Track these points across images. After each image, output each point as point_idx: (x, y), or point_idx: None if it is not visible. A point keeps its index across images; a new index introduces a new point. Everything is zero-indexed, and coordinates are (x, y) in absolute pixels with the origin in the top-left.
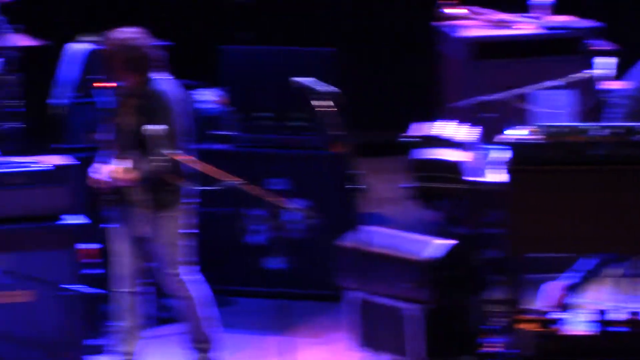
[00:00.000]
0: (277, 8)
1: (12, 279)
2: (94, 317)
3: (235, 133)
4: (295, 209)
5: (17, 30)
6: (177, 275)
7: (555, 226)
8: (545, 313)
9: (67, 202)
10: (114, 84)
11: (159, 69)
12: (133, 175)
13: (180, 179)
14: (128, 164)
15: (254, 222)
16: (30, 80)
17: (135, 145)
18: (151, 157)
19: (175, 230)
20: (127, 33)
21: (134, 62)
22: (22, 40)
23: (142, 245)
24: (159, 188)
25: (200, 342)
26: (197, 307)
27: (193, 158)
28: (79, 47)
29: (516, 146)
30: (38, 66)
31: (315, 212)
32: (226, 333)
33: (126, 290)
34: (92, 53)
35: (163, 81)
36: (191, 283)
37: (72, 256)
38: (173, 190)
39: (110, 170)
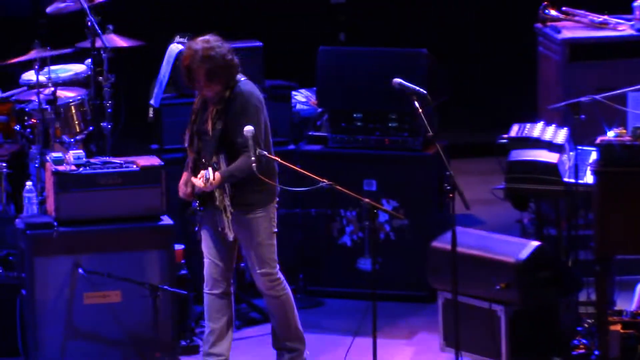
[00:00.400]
0: (372, 8)
1: (108, 279)
2: (189, 317)
3: (330, 134)
4: (387, 210)
5: (108, 31)
6: (273, 274)
7: None
8: (637, 315)
9: (161, 203)
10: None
11: (239, 72)
12: (216, 182)
13: (269, 179)
14: (209, 172)
15: (346, 223)
16: (126, 81)
17: (220, 150)
18: (243, 158)
19: (267, 229)
20: (206, 43)
21: (216, 72)
22: (114, 41)
23: (231, 247)
24: (249, 188)
25: (294, 341)
26: (291, 304)
27: (278, 158)
28: (178, 47)
29: (603, 147)
30: (133, 66)
31: (407, 213)
32: (316, 334)
33: (216, 291)
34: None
35: (245, 83)
36: (284, 281)
37: (169, 257)
38: (263, 190)
39: (194, 180)
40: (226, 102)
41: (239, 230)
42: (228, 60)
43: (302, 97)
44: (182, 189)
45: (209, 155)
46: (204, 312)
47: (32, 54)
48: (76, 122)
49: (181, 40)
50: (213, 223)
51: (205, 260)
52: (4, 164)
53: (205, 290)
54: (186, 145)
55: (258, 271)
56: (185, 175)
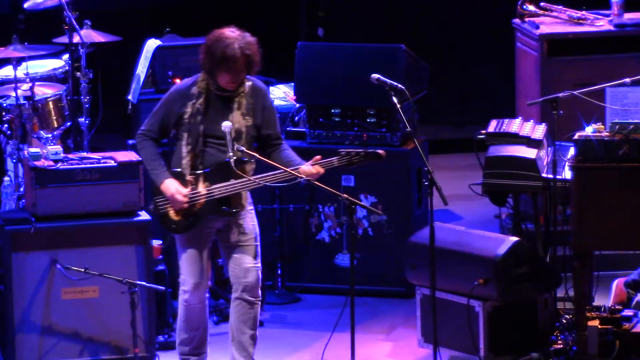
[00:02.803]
0: (351, 4)
1: (86, 274)
2: (166, 313)
3: (308, 129)
4: (365, 205)
5: (86, 26)
6: (259, 269)
7: (620, 223)
8: (615, 310)
9: (138, 199)
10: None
11: None
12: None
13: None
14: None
15: (324, 218)
16: (104, 76)
17: (250, 144)
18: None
19: (256, 224)
20: (239, 32)
21: (252, 62)
22: (91, 36)
23: (210, 246)
24: None
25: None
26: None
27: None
28: (156, 43)
29: (581, 143)
30: (111, 62)
31: (385, 209)
32: (294, 329)
33: (201, 304)
34: (169, 48)
35: (254, 79)
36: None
37: (147, 252)
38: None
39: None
40: (246, 96)
41: (232, 227)
42: (258, 52)
43: (280, 93)
44: (181, 200)
45: (228, 153)
46: (179, 320)
47: (10, 50)
48: (54, 118)
49: (170, 36)
50: (201, 238)
51: (189, 284)
52: None
53: (193, 304)
54: (185, 150)
55: (258, 264)
56: (176, 185)
